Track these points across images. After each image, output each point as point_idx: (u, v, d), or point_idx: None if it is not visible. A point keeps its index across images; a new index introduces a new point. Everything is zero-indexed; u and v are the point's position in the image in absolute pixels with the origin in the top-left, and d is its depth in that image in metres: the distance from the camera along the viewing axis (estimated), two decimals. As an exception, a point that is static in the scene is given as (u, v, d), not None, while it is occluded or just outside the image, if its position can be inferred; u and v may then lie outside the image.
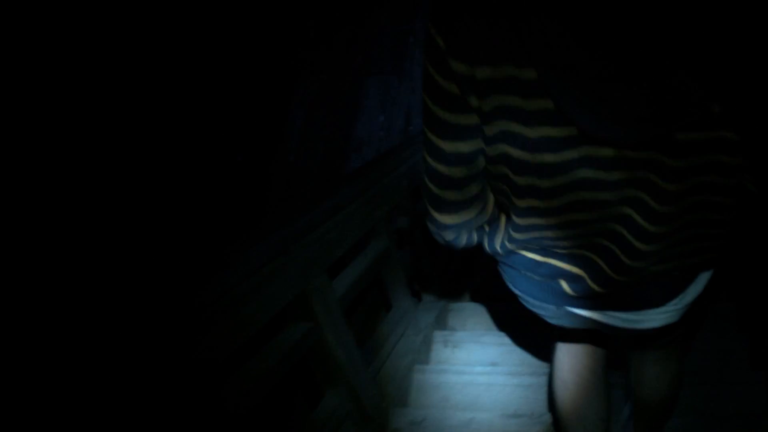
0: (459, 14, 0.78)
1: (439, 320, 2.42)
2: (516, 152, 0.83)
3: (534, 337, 2.02)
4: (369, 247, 2.00)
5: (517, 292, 1.12)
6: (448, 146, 0.88)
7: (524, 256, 1.02)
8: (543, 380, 1.86)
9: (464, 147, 0.87)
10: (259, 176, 3.55)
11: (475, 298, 2.72)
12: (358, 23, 3.90)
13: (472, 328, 2.42)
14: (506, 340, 2.24)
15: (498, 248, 1.03)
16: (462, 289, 2.81)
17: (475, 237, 1.04)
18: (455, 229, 1.00)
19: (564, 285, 1.00)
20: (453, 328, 2.43)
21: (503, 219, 1.01)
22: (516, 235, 0.97)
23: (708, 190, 0.85)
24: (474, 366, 2.09)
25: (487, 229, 1.04)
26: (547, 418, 1.72)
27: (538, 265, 1.01)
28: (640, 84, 0.73)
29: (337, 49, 3.86)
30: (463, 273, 2.92)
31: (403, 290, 2.23)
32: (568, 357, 1.35)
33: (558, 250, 0.97)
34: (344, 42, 3.87)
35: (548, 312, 1.12)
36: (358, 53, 3.86)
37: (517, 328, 2.26)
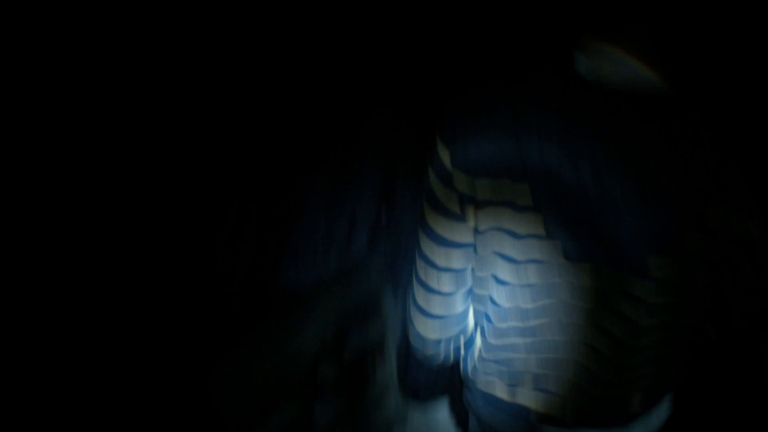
0: (466, 127, 0.82)
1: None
2: (505, 275, 0.87)
3: None
4: (275, 416, 1.57)
5: (484, 420, 1.08)
6: (441, 260, 0.90)
7: (492, 395, 1.02)
8: None
9: (456, 263, 0.91)
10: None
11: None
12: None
13: None
14: None
15: (469, 371, 1.04)
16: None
17: (452, 355, 1.05)
18: (436, 344, 1.01)
19: (533, 407, 0.99)
20: None
21: (479, 340, 1.01)
22: (489, 355, 0.98)
23: (680, 313, 0.87)
24: None
25: (463, 352, 1.05)
26: None
27: (505, 400, 1.01)
28: (628, 215, 0.76)
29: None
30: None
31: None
32: None
33: (526, 375, 0.96)
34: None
35: None
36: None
37: None
